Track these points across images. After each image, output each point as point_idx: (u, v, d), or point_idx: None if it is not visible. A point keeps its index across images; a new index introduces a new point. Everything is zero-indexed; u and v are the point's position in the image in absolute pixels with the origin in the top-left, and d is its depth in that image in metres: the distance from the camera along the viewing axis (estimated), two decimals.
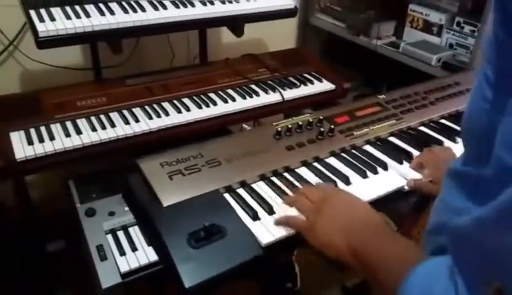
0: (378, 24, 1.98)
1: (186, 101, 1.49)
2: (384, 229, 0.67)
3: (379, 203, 0.89)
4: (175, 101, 1.48)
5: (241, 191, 0.87)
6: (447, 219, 0.47)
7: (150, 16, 1.38)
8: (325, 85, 1.67)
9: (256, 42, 2.11)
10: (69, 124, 1.34)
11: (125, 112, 1.41)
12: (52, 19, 1.29)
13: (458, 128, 1.13)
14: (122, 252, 1.17)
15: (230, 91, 1.57)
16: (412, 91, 1.24)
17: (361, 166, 0.96)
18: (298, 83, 1.64)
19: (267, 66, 1.72)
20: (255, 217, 0.80)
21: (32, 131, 1.30)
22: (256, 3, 1.58)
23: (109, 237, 1.21)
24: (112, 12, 1.36)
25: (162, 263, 0.89)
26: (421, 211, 1.19)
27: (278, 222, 0.78)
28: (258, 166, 0.92)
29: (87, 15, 1.33)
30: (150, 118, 1.39)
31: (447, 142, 1.08)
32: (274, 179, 0.91)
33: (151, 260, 1.15)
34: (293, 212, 0.80)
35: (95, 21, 1.31)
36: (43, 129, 1.31)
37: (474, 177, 0.44)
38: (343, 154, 1.01)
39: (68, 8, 1.35)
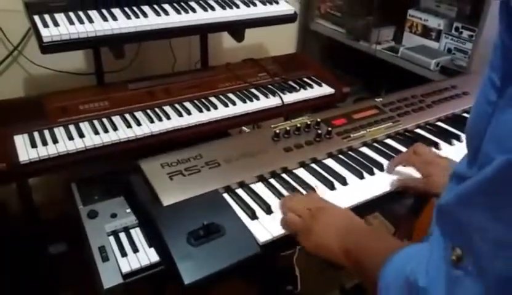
0: (378, 29, 2.00)
1: (188, 104, 1.51)
2: (372, 231, 0.74)
3: (375, 204, 0.91)
4: (177, 105, 1.50)
5: (240, 191, 0.89)
6: None
7: (152, 21, 1.41)
8: (325, 89, 1.69)
9: (257, 47, 2.14)
10: (72, 127, 1.36)
11: (127, 115, 1.43)
12: (56, 24, 1.31)
13: (455, 131, 1.15)
14: (124, 253, 1.18)
15: (231, 95, 1.59)
16: (409, 95, 1.26)
17: (358, 168, 0.98)
18: (298, 88, 1.67)
19: (267, 71, 1.74)
20: (253, 216, 0.82)
21: (36, 134, 1.32)
22: (257, 8, 1.60)
23: (111, 238, 1.23)
24: (114, 18, 1.39)
25: (162, 260, 0.91)
26: (417, 212, 1.21)
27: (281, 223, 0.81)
28: (256, 167, 0.94)
29: (90, 21, 1.35)
30: (152, 121, 1.41)
31: (443, 145, 1.10)
32: (272, 179, 0.93)
33: (152, 261, 1.16)
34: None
35: (97, 26, 1.34)
36: (46, 132, 1.33)
37: None
38: (340, 156, 1.03)
39: (71, 14, 1.38)
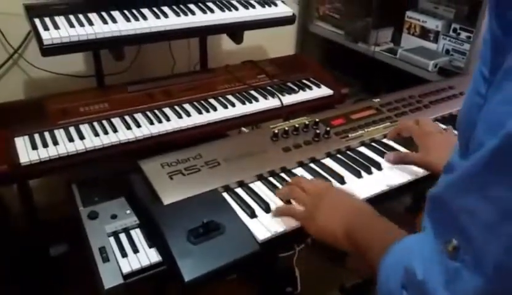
0: (376, 31, 2.01)
1: (187, 106, 1.52)
2: (374, 216, 0.72)
3: (373, 202, 0.91)
4: (176, 107, 1.51)
5: (239, 190, 0.90)
6: None
7: (151, 24, 1.42)
8: (324, 91, 1.70)
9: (256, 49, 2.15)
10: (72, 129, 1.37)
11: (127, 117, 1.44)
12: (56, 27, 1.32)
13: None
14: (124, 254, 1.18)
15: (230, 97, 1.59)
16: (406, 95, 1.27)
17: (356, 167, 0.99)
18: (297, 89, 1.67)
19: (266, 72, 1.75)
20: (252, 214, 0.83)
21: (37, 136, 1.33)
22: (255, 11, 1.61)
23: (111, 239, 1.23)
24: (114, 20, 1.40)
25: (163, 259, 0.91)
26: (416, 211, 1.21)
27: (278, 212, 0.81)
28: (255, 166, 0.95)
29: (90, 24, 1.36)
30: (151, 123, 1.42)
31: None
32: (271, 179, 0.94)
33: (152, 262, 1.16)
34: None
35: (97, 29, 1.35)
36: (47, 134, 1.34)
37: None
38: (338, 155, 1.04)
39: (71, 17, 1.39)
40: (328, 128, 1.08)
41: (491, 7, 0.43)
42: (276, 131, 1.04)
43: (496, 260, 0.37)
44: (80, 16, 1.40)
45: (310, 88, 1.70)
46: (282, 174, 0.96)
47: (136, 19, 1.42)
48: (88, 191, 1.39)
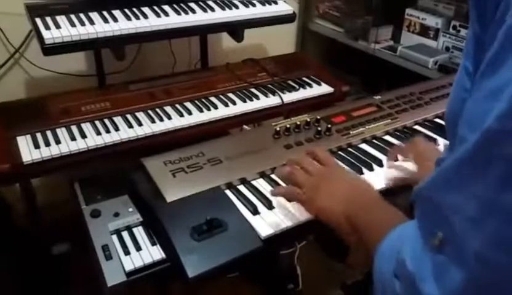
0: (376, 28, 2.02)
1: (188, 105, 1.53)
2: (378, 200, 0.72)
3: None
4: (177, 105, 1.51)
5: (241, 187, 0.90)
6: None
7: (152, 22, 1.42)
8: (324, 88, 1.71)
9: (256, 47, 2.15)
10: (74, 128, 1.38)
11: (129, 116, 1.45)
12: (57, 26, 1.33)
13: None
14: (127, 252, 1.19)
15: (231, 95, 1.60)
16: (407, 92, 1.28)
17: (357, 163, 0.99)
18: (298, 87, 1.68)
19: (267, 70, 1.76)
20: (255, 211, 0.83)
21: (39, 135, 1.34)
22: (256, 9, 1.62)
23: (114, 237, 1.24)
24: (115, 19, 1.40)
25: (166, 256, 0.92)
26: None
27: (279, 193, 0.80)
28: (257, 164, 0.95)
29: (91, 22, 1.37)
30: (153, 122, 1.43)
31: (441, 140, 1.11)
32: (273, 176, 0.95)
33: (155, 259, 1.17)
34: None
35: (98, 28, 1.35)
36: (49, 133, 1.35)
37: None
38: (339, 152, 1.04)
39: (72, 16, 1.39)
40: (329, 125, 1.08)
41: (473, 5, 0.44)
42: (278, 128, 1.04)
43: (477, 253, 0.38)
44: (81, 15, 1.40)
45: (310, 86, 1.71)
46: None
47: (137, 18, 1.43)
48: (90, 189, 1.40)
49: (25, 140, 1.31)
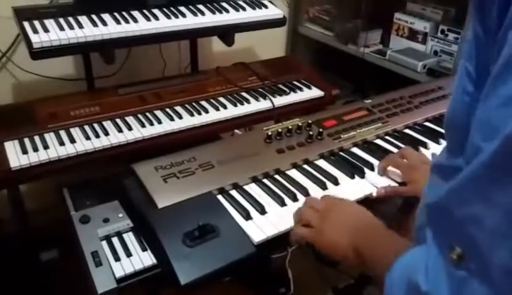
0: (365, 32, 2.03)
1: (179, 109, 1.52)
2: (383, 230, 0.71)
3: (366, 203, 0.92)
4: (168, 109, 1.51)
5: (234, 192, 0.90)
6: None
7: (142, 26, 1.41)
8: (315, 92, 1.71)
9: (247, 51, 2.15)
10: (62, 133, 1.36)
11: (118, 120, 1.44)
12: (46, 30, 1.31)
13: (442, 130, 1.18)
14: (117, 258, 1.18)
15: (221, 99, 1.60)
16: (397, 96, 1.29)
17: (349, 168, 0.99)
18: (288, 91, 1.68)
19: (257, 74, 1.76)
20: (247, 216, 0.83)
21: (26, 140, 1.32)
22: (246, 13, 1.62)
23: (104, 243, 1.23)
24: (104, 23, 1.39)
25: (158, 262, 0.91)
26: (407, 212, 1.22)
27: (291, 236, 0.79)
28: (249, 168, 0.95)
29: (80, 26, 1.36)
30: (143, 126, 1.42)
31: (431, 144, 1.12)
32: (265, 180, 0.94)
33: (146, 265, 1.16)
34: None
35: (87, 32, 1.34)
36: (37, 138, 1.33)
37: (454, 168, 0.46)
38: (331, 156, 1.04)
39: (61, 20, 1.37)
40: (321, 130, 1.08)
41: (474, 8, 0.43)
42: (269, 133, 1.04)
43: (505, 265, 0.36)
44: (70, 19, 1.39)
45: (301, 89, 1.71)
46: (276, 176, 0.96)
47: (127, 21, 1.42)
48: (79, 195, 1.38)
49: (13, 145, 1.29)
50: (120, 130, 1.39)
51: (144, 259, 1.18)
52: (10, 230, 1.53)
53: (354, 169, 0.99)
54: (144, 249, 1.20)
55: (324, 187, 0.94)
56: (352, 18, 2.12)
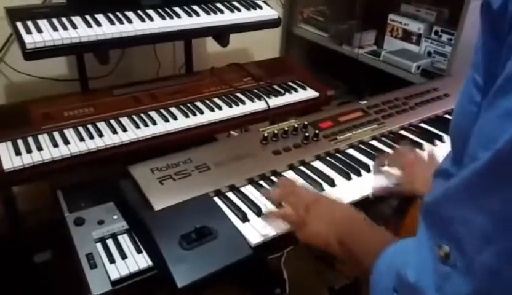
0: (360, 33, 2.03)
1: (173, 110, 1.51)
2: (365, 222, 0.73)
3: (363, 203, 0.93)
4: (162, 110, 1.50)
5: (230, 194, 0.90)
6: None
7: (137, 27, 1.40)
8: (309, 93, 1.71)
9: (241, 52, 2.15)
10: (56, 134, 1.35)
11: (113, 121, 1.42)
12: (39, 31, 1.30)
13: (437, 132, 1.18)
14: (112, 260, 1.17)
15: (216, 99, 1.59)
16: (392, 97, 1.29)
17: (345, 169, 0.99)
18: (283, 91, 1.68)
19: (252, 75, 1.76)
20: (244, 219, 0.83)
21: (20, 141, 1.30)
22: (241, 14, 1.62)
23: (99, 245, 1.21)
24: (98, 24, 1.38)
25: (155, 265, 0.91)
26: (403, 213, 1.23)
27: (270, 217, 0.80)
28: (246, 170, 0.95)
29: (74, 27, 1.34)
30: (137, 127, 1.41)
31: (427, 145, 1.13)
32: (262, 182, 0.94)
33: (141, 268, 1.15)
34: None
35: (81, 32, 1.33)
36: (30, 139, 1.31)
37: None
38: (327, 158, 1.05)
39: (54, 21, 1.36)
40: (317, 131, 1.08)
41: (485, 20, 0.44)
42: (266, 134, 1.04)
43: (489, 266, 0.39)
44: (64, 19, 1.37)
45: (296, 90, 1.71)
46: (273, 178, 0.96)
47: (121, 22, 1.41)
48: (73, 197, 1.37)
49: (6, 147, 1.28)
50: (114, 131, 1.38)
51: (139, 261, 1.17)
52: (2, 232, 1.51)
53: (351, 170, 0.99)
54: (139, 251, 1.19)
55: (320, 188, 0.94)
56: (347, 19, 2.13)
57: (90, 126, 1.39)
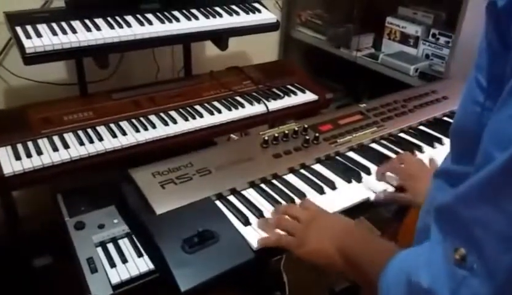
0: (358, 36, 2.04)
1: (173, 113, 1.51)
2: (367, 234, 0.74)
3: (364, 207, 0.93)
4: (162, 114, 1.50)
5: (232, 198, 0.90)
6: None
7: (136, 31, 1.41)
8: (308, 96, 1.72)
9: (240, 55, 2.15)
10: (56, 139, 1.35)
11: (112, 125, 1.43)
12: (39, 35, 1.30)
13: (436, 134, 1.19)
14: (113, 264, 1.17)
15: (216, 103, 1.60)
16: (391, 100, 1.30)
17: (346, 172, 1.00)
18: (282, 95, 1.69)
19: (251, 78, 1.76)
20: (246, 222, 0.83)
21: (20, 146, 1.30)
22: (239, 17, 1.62)
23: (99, 250, 1.22)
24: (98, 28, 1.38)
25: (157, 269, 0.91)
26: (401, 217, 1.23)
27: (267, 243, 0.79)
28: (247, 173, 0.95)
29: (73, 31, 1.35)
30: (137, 131, 1.41)
31: (426, 148, 1.13)
32: (263, 185, 0.95)
33: (142, 271, 1.16)
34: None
35: (81, 37, 1.33)
36: (30, 144, 1.32)
37: (462, 175, 0.47)
38: (328, 161, 1.05)
39: (54, 25, 1.36)
40: (317, 134, 1.09)
41: (490, 20, 0.44)
42: (266, 137, 1.04)
43: (508, 268, 0.38)
44: (63, 24, 1.38)
45: (295, 93, 1.72)
46: (274, 181, 0.96)
47: (120, 26, 1.41)
48: (74, 201, 1.37)
49: (5, 151, 1.28)
50: (114, 135, 1.38)
51: (140, 265, 1.17)
52: (3, 236, 1.51)
53: (351, 173, 0.99)
54: (140, 255, 1.19)
55: (321, 191, 0.94)
56: (345, 22, 2.14)
57: (89, 131, 1.40)
